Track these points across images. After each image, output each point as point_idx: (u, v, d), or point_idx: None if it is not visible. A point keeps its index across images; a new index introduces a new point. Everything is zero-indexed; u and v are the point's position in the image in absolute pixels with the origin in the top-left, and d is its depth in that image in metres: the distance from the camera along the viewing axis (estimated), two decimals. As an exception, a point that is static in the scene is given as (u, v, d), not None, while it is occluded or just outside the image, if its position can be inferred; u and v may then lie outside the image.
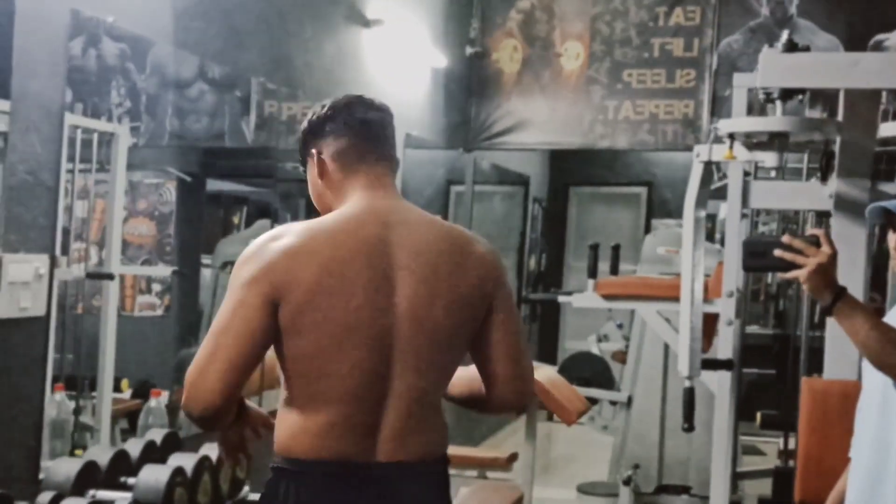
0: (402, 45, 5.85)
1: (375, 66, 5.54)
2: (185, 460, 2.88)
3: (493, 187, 8.52)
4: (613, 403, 6.52)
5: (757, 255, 2.33)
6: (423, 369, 2.06)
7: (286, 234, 2.02)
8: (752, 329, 8.77)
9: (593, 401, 6.55)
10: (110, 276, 4.13)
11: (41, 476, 2.84)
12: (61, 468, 2.69)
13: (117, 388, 3.78)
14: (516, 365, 2.14)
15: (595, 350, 7.00)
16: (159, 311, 5.37)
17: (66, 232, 3.82)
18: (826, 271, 2.22)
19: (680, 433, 4.86)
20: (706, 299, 4.34)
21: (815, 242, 2.25)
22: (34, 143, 2.93)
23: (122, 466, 2.86)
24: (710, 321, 4.23)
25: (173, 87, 4.84)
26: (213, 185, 5.65)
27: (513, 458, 5.34)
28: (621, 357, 6.77)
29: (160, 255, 5.02)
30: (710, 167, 3.58)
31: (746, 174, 3.92)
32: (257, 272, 1.97)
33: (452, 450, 5.73)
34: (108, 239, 4.20)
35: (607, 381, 6.73)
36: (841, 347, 3.52)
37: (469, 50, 7.00)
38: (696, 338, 3.51)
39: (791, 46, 3.23)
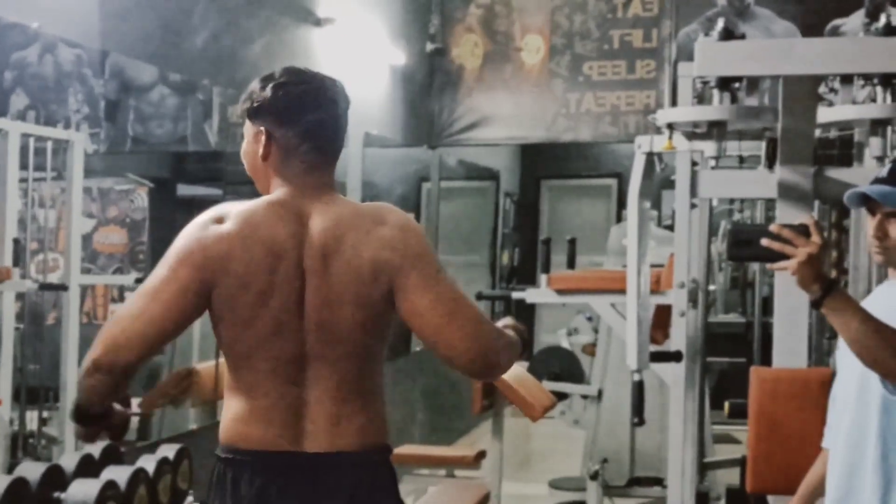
0: (356, 44, 5.81)
1: (329, 65, 5.50)
2: (119, 473, 2.84)
3: (463, 183, 8.49)
4: (585, 397, 6.50)
5: (742, 244, 2.20)
6: (342, 361, 2.08)
7: (227, 219, 2.06)
8: (730, 318, 8.77)
9: (564, 395, 6.54)
10: (63, 288, 4.09)
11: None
12: (-11, 485, 2.64)
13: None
14: (446, 328, 2.07)
15: (565, 344, 6.97)
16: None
17: (17, 242, 3.78)
18: (816, 263, 2.11)
19: (651, 425, 4.85)
20: (660, 290, 4.32)
21: (805, 232, 2.14)
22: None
23: (56, 481, 2.82)
24: (665, 312, 4.20)
25: (133, 92, 4.80)
26: (186, 189, 5.63)
27: (481, 455, 5.32)
28: (591, 350, 6.74)
29: (133, 263, 4.98)
30: (651, 158, 3.55)
31: (694, 164, 3.89)
32: (191, 250, 2.04)
33: (420, 449, 5.70)
34: (66, 249, 4.16)
35: (577, 375, 6.70)
36: (790, 335, 3.49)
37: (429, 46, 6.96)
38: (644, 330, 3.48)
39: (727, 34, 3.20)
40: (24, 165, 3.93)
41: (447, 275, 2.13)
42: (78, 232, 4.12)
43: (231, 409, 2.11)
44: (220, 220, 2.06)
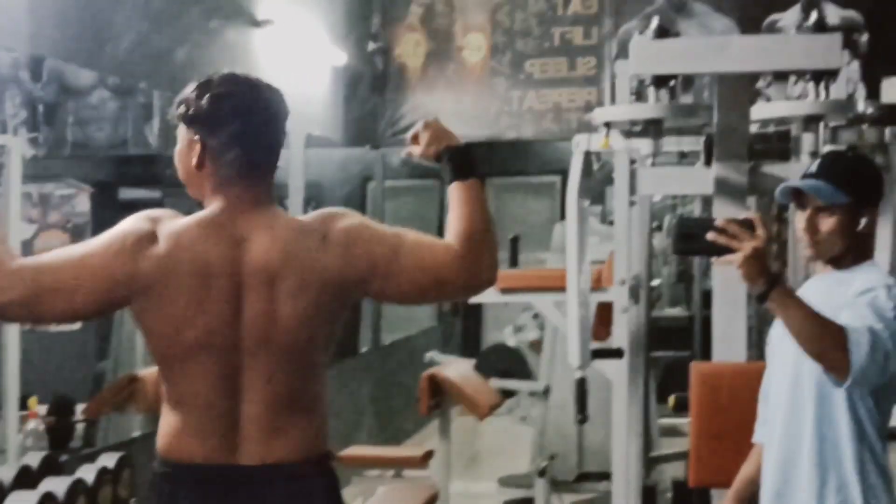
0: (296, 45, 5.79)
1: (268, 66, 5.47)
2: (57, 484, 2.81)
3: (407, 182, 8.48)
4: (532, 394, 6.53)
5: (688, 238, 2.21)
6: (277, 378, 2.06)
7: (159, 237, 2.03)
8: (676, 312, 8.83)
9: (511, 392, 6.56)
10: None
11: None
12: (-78, 500, 2.60)
13: (24, 406, 3.68)
14: (427, 256, 2.08)
15: (511, 342, 6.99)
16: (77, 325, 5.28)
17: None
18: (761, 257, 2.13)
19: (598, 420, 4.87)
20: (601, 287, 4.34)
21: (750, 226, 2.15)
22: None
23: (-7, 494, 2.78)
24: (608, 309, 4.23)
25: (72, 95, 4.74)
26: (128, 192, 5.56)
27: (428, 455, 5.31)
28: (538, 347, 6.77)
29: (75, 268, 4.92)
30: (589, 157, 3.57)
31: (633, 161, 3.92)
32: (132, 236, 2.02)
33: (368, 450, 5.68)
34: (4, 255, 4.08)
35: (524, 372, 6.73)
36: (729, 329, 3.53)
37: (371, 45, 6.95)
38: (585, 327, 3.50)
39: (661, 32, 3.23)
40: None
41: (394, 228, 2.13)
42: (18, 238, 4.06)
43: (167, 421, 2.10)
44: (153, 236, 2.03)
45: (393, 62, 7.00)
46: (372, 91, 7.03)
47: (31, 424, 3.36)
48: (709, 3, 6.41)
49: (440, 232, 7.17)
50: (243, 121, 2.07)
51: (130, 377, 3.14)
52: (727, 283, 3.50)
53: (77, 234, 4.88)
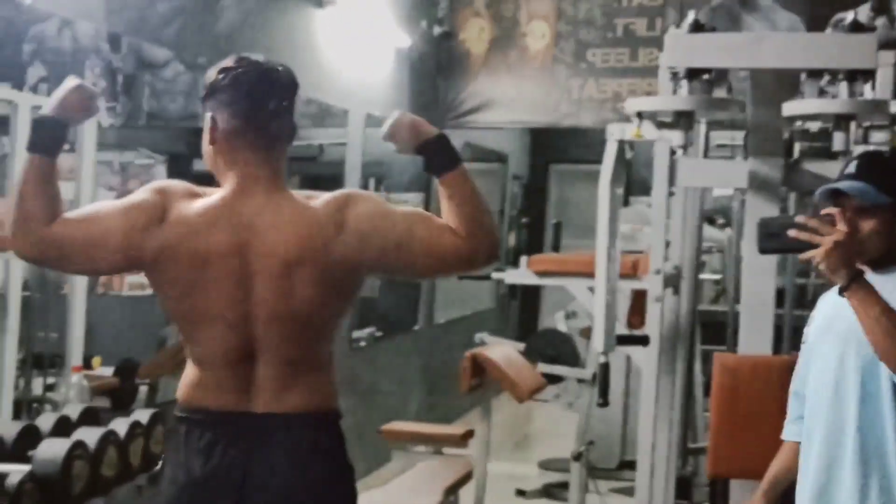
0: (360, 26, 5.89)
1: (331, 47, 5.59)
2: (90, 434, 2.95)
3: (469, 165, 8.53)
4: (580, 381, 6.57)
5: (772, 237, 2.27)
6: (287, 341, 2.19)
7: (169, 218, 2.15)
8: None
9: (559, 378, 6.61)
10: (66, 257, 4.19)
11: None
12: (-40, 442, 2.76)
13: (88, 366, 3.86)
14: (423, 235, 2.16)
15: (562, 327, 7.03)
16: (148, 291, 5.47)
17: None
18: (842, 250, 2.16)
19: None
20: (637, 275, 4.39)
21: (831, 222, 2.20)
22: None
23: (30, 440, 2.93)
24: (643, 298, 4.27)
25: (149, 68, 4.90)
26: (202, 164, 5.73)
27: (469, 434, 5.40)
28: (588, 334, 6.80)
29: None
30: (622, 145, 3.62)
31: (673, 152, 3.95)
32: (162, 190, 2.16)
33: (409, 426, 5.76)
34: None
35: (573, 359, 6.76)
36: (755, 322, 3.56)
37: (437, 30, 7.04)
38: (611, 313, 3.56)
39: (697, 27, 3.27)
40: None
41: (412, 225, 2.19)
42: (89, 203, 4.21)
43: (188, 375, 2.24)
44: (162, 215, 2.14)
45: (457, 47, 7.07)
46: (435, 74, 7.12)
47: (75, 378, 3.52)
48: (777, -2, 6.39)
49: (500, 215, 7.26)
50: (246, 91, 2.17)
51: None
52: (754, 277, 3.53)
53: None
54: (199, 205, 2.17)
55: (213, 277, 2.14)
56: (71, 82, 2.21)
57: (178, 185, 2.22)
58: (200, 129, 2.27)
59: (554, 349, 6.85)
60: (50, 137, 2.17)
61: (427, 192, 7.46)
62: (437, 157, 2.25)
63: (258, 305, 2.16)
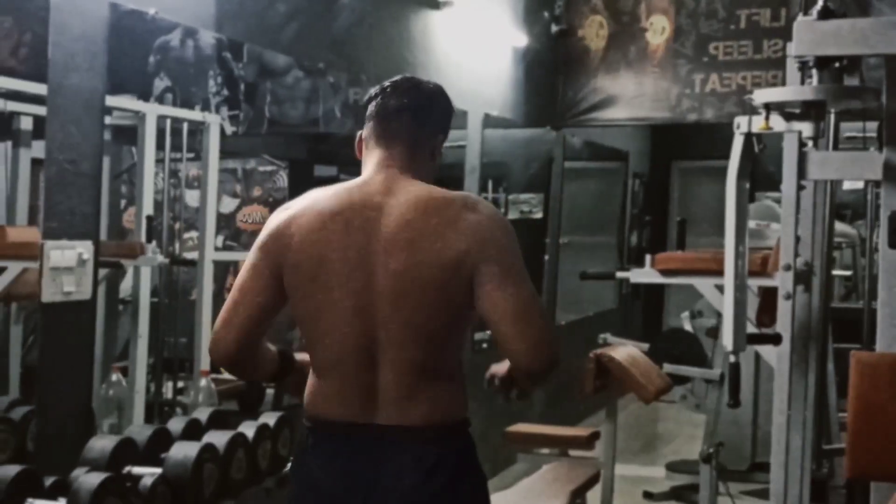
0: (477, 26, 5.87)
1: (448, 47, 5.58)
2: (219, 437, 2.99)
3: (589, 163, 8.47)
4: (707, 381, 6.43)
5: None
6: (411, 342, 2.19)
7: (291, 206, 2.26)
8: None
9: (685, 379, 6.48)
10: (192, 263, 4.28)
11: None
12: (97, 445, 2.82)
13: (216, 370, 3.93)
14: (517, 325, 2.15)
15: (688, 327, 6.89)
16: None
17: (150, 219, 3.99)
18: None
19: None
20: (766, 272, 4.26)
21: None
22: (74, 135, 3.07)
23: (162, 443, 2.98)
24: (773, 296, 4.14)
25: (270, 75, 4.98)
26: (323, 170, 5.80)
27: (595, 436, 5.33)
28: (715, 333, 6.65)
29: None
30: (750, 138, 3.51)
31: (803, 145, 3.82)
32: (265, 238, 2.25)
33: (534, 428, 5.72)
34: (200, 226, 4.35)
35: (699, 359, 6.62)
36: (893, 319, 3.42)
37: (554, 28, 6.98)
38: (741, 311, 3.45)
39: (826, 13, 3.15)
40: (176, 147, 4.15)
41: (525, 275, 2.22)
42: (213, 211, 4.30)
43: (312, 384, 2.29)
44: (286, 209, 2.27)
45: (575, 44, 7.01)
46: (553, 73, 7.06)
47: (203, 382, 3.58)
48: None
49: (622, 214, 7.08)
50: (391, 98, 2.35)
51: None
52: (892, 272, 3.39)
53: (276, 209, 5.12)
54: (328, 189, 2.28)
55: (333, 282, 2.17)
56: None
57: (277, 222, 2.28)
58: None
59: (679, 349, 6.72)
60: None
61: (546, 193, 7.41)
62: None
63: (379, 286, 2.16)
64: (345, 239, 2.18)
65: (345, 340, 2.19)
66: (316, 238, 2.19)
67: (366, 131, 2.36)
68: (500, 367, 2.37)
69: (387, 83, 2.38)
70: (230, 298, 2.25)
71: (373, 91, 2.38)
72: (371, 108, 2.35)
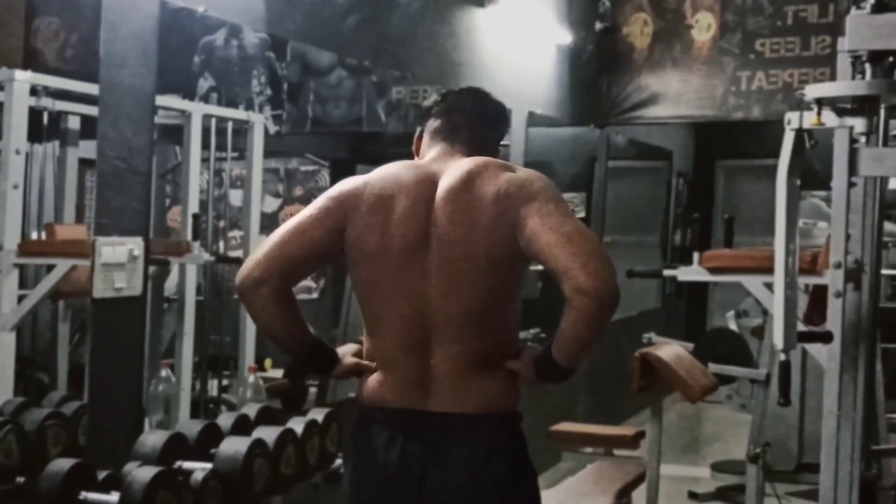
0: (521, 24, 5.86)
1: (493, 45, 5.57)
2: (268, 433, 3.00)
3: (633, 162, 8.43)
4: (753, 381, 6.37)
5: None
6: (467, 325, 2.23)
7: (363, 176, 2.32)
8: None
9: (731, 379, 6.43)
10: (237, 261, 4.31)
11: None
12: (149, 440, 2.85)
13: (260, 368, 3.96)
14: (568, 247, 2.13)
15: (733, 326, 6.84)
16: (315, 295, 5.58)
17: (196, 217, 4.02)
18: None
19: (820, 411, 4.71)
20: (816, 270, 4.22)
21: None
22: (125, 132, 3.09)
23: (212, 438, 3.00)
24: (823, 294, 4.09)
25: (313, 75, 5.00)
26: (365, 169, 5.82)
27: (640, 435, 5.31)
28: (761, 333, 6.60)
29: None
30: (801, 135, 3.47)
31: (854, 141, 3.77)
32: (339, 190, 2.30)
33: (578, 427, 5.70)
34: (244, 225, 4.38)
35: (745, 358, 6.57)
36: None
37: (599, 25, 6.95)
38: (791, 309, 3.41)
39: (879, 6, 3.11)
40: (220, 146, 4.18)
41: (571, 212, 2.26)
42: (257, 209, 4.33)
43: (368, 376, 2.32)
44: (360, 178, 2.32)
45: (619, 42, 6.97)
46: (597, 70, 7.03)
47: (251, 378, 3.59)
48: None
49: (666, 213, 7.02)
50: (454, 103, 2.47)
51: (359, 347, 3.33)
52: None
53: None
54: (394, 163, 2.34)
55: (403, 216, 2.23)
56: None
57: (353, 182, 2.32)
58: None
59: (725, 349, 6.67)
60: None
61: (589, 192, 7.38)
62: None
63: (435, 299, 2.20)
64: (400, 204, 2.24)
65: (400, 332, 2.25)
66: (375, 198, 2.25)
67: (428, 127, 2.45)
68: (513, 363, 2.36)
69: (454, 89, 2.52)
70: (282, 229, 2.26)
71: (438, 94, 2.49)
72: (436, 108, 2.45)
